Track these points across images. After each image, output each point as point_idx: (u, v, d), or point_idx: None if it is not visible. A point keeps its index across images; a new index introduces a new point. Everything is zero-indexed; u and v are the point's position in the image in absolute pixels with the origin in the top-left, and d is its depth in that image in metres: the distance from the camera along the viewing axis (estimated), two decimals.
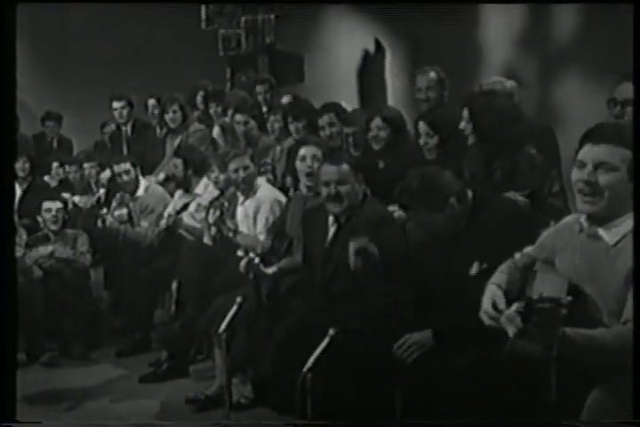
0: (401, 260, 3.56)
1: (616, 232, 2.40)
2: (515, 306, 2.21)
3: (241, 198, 4.89)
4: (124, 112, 6.64)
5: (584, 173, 2.36)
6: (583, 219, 2.45)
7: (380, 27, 9.00)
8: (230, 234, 4.73)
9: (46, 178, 6.46)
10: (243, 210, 4.86)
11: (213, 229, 4.82)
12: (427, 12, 7.75)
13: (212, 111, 6.59)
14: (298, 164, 4.28)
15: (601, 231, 2.42)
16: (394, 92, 8.72)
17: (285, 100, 6.68)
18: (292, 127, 5.46)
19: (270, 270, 4.05)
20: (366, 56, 9.15)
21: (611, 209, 2.37)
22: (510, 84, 4.41)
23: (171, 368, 4.74)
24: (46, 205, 5.35)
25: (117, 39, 8.60)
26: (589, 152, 2.37)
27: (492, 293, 2.47)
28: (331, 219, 3.83)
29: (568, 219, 2.62)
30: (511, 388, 2.38)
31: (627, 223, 2.40)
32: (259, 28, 8.76)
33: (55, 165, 6.44)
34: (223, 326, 3.69)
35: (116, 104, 6.61)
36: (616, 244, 2.39)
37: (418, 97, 5.00)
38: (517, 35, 7.57)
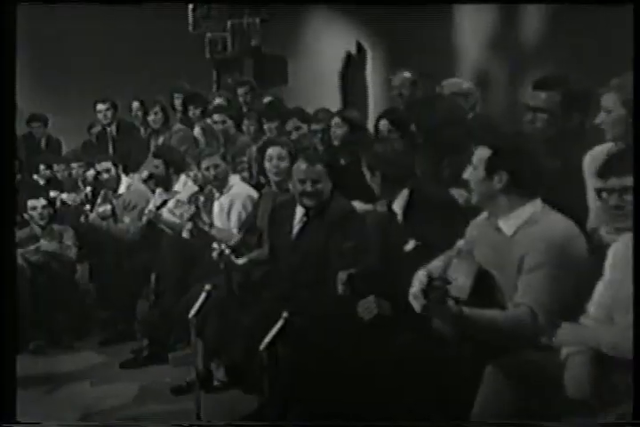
0: (364, 249, 3.85)
1: (512, 224, 2.72)
2: (418, 286, 2.50)
3: (217, 195, 5.16)
4: (109, 114, 6.92)
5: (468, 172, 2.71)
6: (485, 215, 2.78)
7: (361, 30, 9.27)
8: (206, 228, 5.00)
9: (35, 176, 6.72)
10: (218, 205, 5.13)
11: (190, 224, 5.08)
12: (407, 14, 8.03)
13: (190, 113, 6.87)
14: (266, 163, 4.57)
15: (500, 223, 2.72)
16: (374, 92, 8.97)
17: (266, 101, 6.96)
18: (266, 127, 5.80)
19: (240, 261, 4.34)
20: (348, 58, 9.42)
21: (507, 202, 2.69)
22: (467, 85, 4.69)
23: (150, 355, 5.00)
24: (31, 202, 5.61)
25: (106, 42, 8.86)
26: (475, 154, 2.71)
27: (418, 278, 2.75)
28: (301, 213, 4.10)
29: (484, 213, 2.92)
30: (432, 364, 2.66)
31: (522, 216, 2.72)
32: (244, 32, 8.97)
33: (42, 166, 6.68)
34: (193, 311, 3.94)
35: (100, 106, 6.89)
36: (512, 235, 2.70)
37: (393, 94, 5.36)
38: (490, 36, 7.84)
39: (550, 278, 2.64)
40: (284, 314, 3.31)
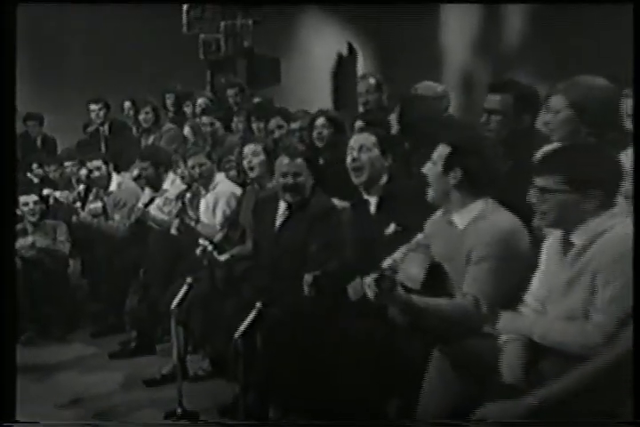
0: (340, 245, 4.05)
1: (464, 219, 2.92)
2: (372, 276, 2.71)
3: (203, 192, 5.37)
4: (101, 113, 7.13)
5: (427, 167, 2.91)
6: (441, 212, 2.98)
7: (352, 31, 9.47)
8: (192, 223, 5.20)
9: (29, 175, 6.91)
10: (204, 202, 5.33)
11: (177, 221, 5.28)
12: (396, 15, 8.23)
13: (186, 109, 7.06)
14: (243, 161, 4.77)
15: (454, 217, 2.92)
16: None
17: (256, 101, 7.16)
18: (255, 127, 6.00)
19: (223, 257, 4.54)
20: (339, 58, 9.62)
21: (460, 198, 2.89)
22: (440, 88, 4.89)
23: (138, 346, 5.20)
24: (23, 199, 5.78)
25: (102, 42, 9.05)
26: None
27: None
28: (283, 207, 4.28)
29: (441, 210, 3.13)
30: (386, 350, 2.86)
31: (473, 211, 2.92)
32: (237, 33, 9.08)
33: (36, 164, 6.87)
34: (175, 302, 4.14)
35: (93, 106, 7.10)
36: (464, 229, 2.90)
37: (359, 100, 5.57)
38: (476, 38, 8.05)
39: (494, 270, 2.85)
40: (258, 304, 3.51)
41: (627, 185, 2.27)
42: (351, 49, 9.65)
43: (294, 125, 5.29)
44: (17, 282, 5.40)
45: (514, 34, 7.59)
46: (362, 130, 4.42)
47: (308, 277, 3.66)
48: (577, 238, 2.50)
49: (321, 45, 9.55)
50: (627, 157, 2.37)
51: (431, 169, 3.06)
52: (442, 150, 3.07)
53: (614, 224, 2.43)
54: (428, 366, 2.65)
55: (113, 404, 4.31)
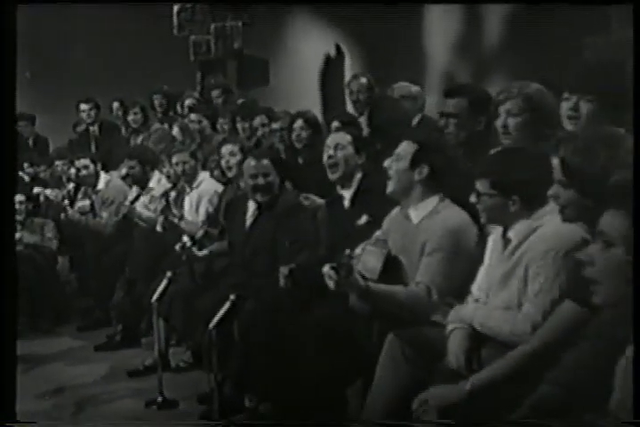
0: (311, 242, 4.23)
1: (419, 214, 3.11)
2: (330, 264, 2.89)
3: (187, 190, 5.55)
4: (92, 113, 7.31)
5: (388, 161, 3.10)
6: (398, 208, 3.17)
7: (340, 33, 9.64)
8: (176, 221, 5.38)
9: (21, 173, 7.07)
10: (188, 200, 5.51)
11: (162, 218, 5.46)
12: (382, 17, 8.41)
13: (175, 110, 7.25)
14: (222, 160, 4.96)
15: (410, 211, 3.11)
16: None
17: (240, 102, 7.34)
18: (239, 127, 6.18)
19: (202, 253, 4.72)
20: (328, 60, 9.80)
21: (420, 193, 3.08)
22: (415, 89, 5.07)
23: (123, 339, 5.40)
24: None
25: (95, 44, 9.21)
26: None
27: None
28: (253, 207, 4.47)
29: (398, 207, 3.32)
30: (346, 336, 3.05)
31: (428, 206, 3.11)
32: (227, 35, 9.26)
33: (27, 163, 7.04)
34: (155, 296, 4.32)
35: (83, 106, 7.28)
36: (418, 223, 3.09)
37: (351, 98, 5.74)
38: (458, 40, 8.23)
39: (445, 262, 3.07)
40: (232, 297, 3.70)
41: (555, 188, 2.43)
42: (339, 50, 9.82)
43: (275, 125, 5.48)
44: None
45: (494, 36, 7.77)
46: (338, 129, 4.62)
47: (283, 270, 3.84)
48: (513, 235, 2.70)
49: (309, 47, 9.72)
50: (566, 154, 2.50)
51: (396, 164, 3.24)
52: (408, 147, 3.26)
53: (544, 222, 2.61)
54: (382, 351, 2.84)
55: (96, 393, 4.49)
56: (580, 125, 2.87)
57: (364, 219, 3.72)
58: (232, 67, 9.51)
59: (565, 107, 2.91)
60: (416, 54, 8.64)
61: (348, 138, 4.04)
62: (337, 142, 4.01)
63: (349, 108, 6.45)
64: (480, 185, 2.71)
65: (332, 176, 4.01)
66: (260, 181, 4.39)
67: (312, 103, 9.52)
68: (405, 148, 3.28)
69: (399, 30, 8.50)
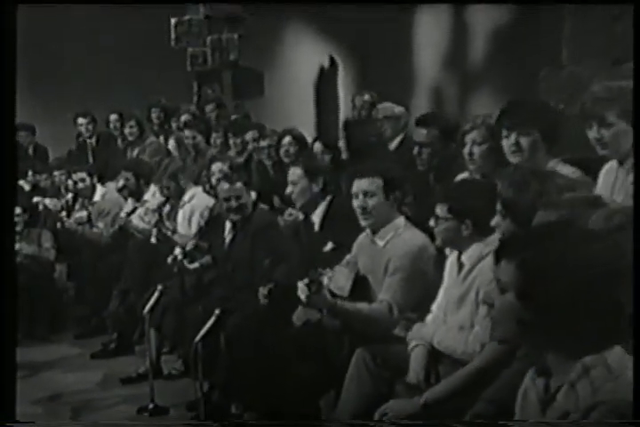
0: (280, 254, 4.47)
1: (384, 237, 3.35)
2: (304, 281, 3.13)
3: (180, 204, 5.78)
4: (90, 127, 7.55)
5: (358, 200, 3.32)
6: (368, 230, 3.41)
7: (334, 45, 9.88)
8: (169, 233, 5.60)
9: (22, 182, 7.29)
10: (182, 214, 5.75)
11: (155, 230, 5.68)
12: (376, 30, 8.65)
13: (172, 124, 7.47)
14: (212, 178, 5.20)
15: (376, 239, 3.36)
16: (345, 103, 9.58)
17: (234, 117, 7.58)
18: (232, 142, 6.41)
19: (192, 266, 4.96)
20: (322, 71, 10.03)
21: (379, 223, 3.32)
22: (398, 109, 5.29)
23: (118, 347, 5.61)
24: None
25: (95, 55, 9.43)
26: (356, 185, 3.32)
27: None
28: (229, 226, 4.73)
29: (366, 231, 3.56)
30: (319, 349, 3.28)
31: (391, 230, 3.34)
32: (223, 47, 9.46)
33: (30, 171, 7.27)
34: (147, 307, 4.55)
35: (81, 120, 7.51)
36: (384, 246, 3.34)
37: (354, 113, 6.01)
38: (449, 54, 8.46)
39: (404, 281, 3.33)
40: (217, 311, 3.92)
41: (496, 218, 2.65)
42: (332, 61, 10.06)
43: (263, 143, 5.72)
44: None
45: (479, 51, 8.00)
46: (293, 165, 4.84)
47: (263, 290, 4.05)
48: (466, 259, 2.94)
49: (303, 58, 9.96)
50: (503, 186, 2.70)
51: (370, 200, 3.43)
52: (376, 183, 3.44)
53: (491, 250, 2.83)
54: (350, 364, 3.08)
55: (90, 399, 4.71)
56: (524, 157, 3.12)
57: (329, 246, 3.98)
58: (227, 77, 9.71)
59: (507, 143, 3.15)
60: (406, 66, 8.89)
61: (299, 172, 4.38)
62: (291, 180, 4.38)
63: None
64: (439, 209, 2.95)
65: (297, 205, 4.41)
66: (233, 203, 4.67)
67: (306, 113, 9.80)
68: (373, 184, 3.46)
69: (392, 40, 8.75)
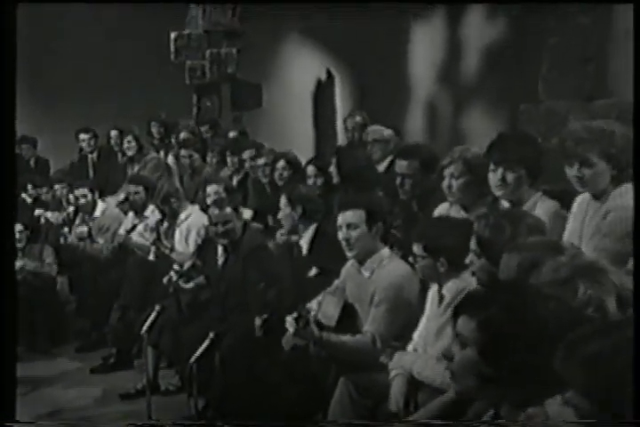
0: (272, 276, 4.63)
1: (369, 268, 3.51)
2: (292, 315, 3.29)
3: (178, 222, 5.93)
4: (91, 142, 7.71)
5: (342, 232, 3.47)
6: (353, 260, 3.57)
7: (330, 58, 10.04)
8: (167, 251, 5.76)
9: (23, 195, 7.43)
10: (179, 232, 5.90)
11: (154, 248, 5.84)
12: (372, 44, 8.82)
13: (171, 140, 7.63)
14: (207, 199, 5.37)
15: (362, 269, 3.52)
16: (343, 114, 9.73)
17: (232, 134, 7.73)
18: (229, 161, 6.57)
19: (188, 286, 5.11)
20: (319, 84, 10.20)
21: (363, 254, 3.48)
22: (387, 132, 5.44)
23: (117, 362, 5.76)
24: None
25: (100, 69, 9.59)
26: (340, 217, 3.48)
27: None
28: (221, 249, 4.90)
29: (352, 260, 3.72)
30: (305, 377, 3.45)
31: (377, 260, 3.50)
32: (222, 60, 9.60)
33: (30, 185, 7.40)
34: (144, 328, 4.70)
35: (82, 136, 7.67)
36: (369, 277, 3.50)
37: (347, 135, 6.15)
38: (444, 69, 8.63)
39: (388, 312, 3.47)
40: (211, 335, 4.08)
41: (470, 255, 2.79)
42: (329, 74, 10.22)
43: (260, 162, 5.88)
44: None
45: (472, 66, 8.16)
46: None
47: (257, 321, 4.17)
48: (446, 291, 3.10)
49: (301, 71, 10.12)
50: (479, 226, 2.85)
51: (354, 232, 3.58)
52: (358, 215, 3.58)
53: (469, 283, 2.98)
54: (335, 391, 3.24)
55: (90, 415, 4.87)
56: (507, 191, 3.27)
57: (313, 271, 4.14)
58: (226, 90, 9.86)
59: (493, 177, 3.30)
60: (402, 80, 9.05)
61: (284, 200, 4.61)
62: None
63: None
64: (415, 248, 3.11)
65: (284, 231, 4.65)
66: (220, 228, 4.83)
67: (303, 124, 9.96)
68: (355, 216, 3.59)
69: (387, 54, 8.91)
